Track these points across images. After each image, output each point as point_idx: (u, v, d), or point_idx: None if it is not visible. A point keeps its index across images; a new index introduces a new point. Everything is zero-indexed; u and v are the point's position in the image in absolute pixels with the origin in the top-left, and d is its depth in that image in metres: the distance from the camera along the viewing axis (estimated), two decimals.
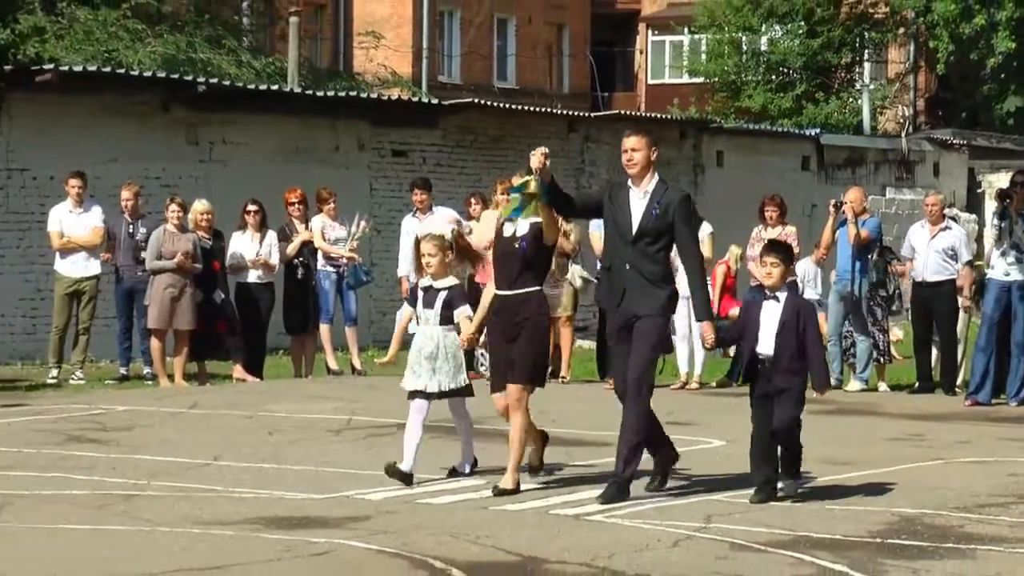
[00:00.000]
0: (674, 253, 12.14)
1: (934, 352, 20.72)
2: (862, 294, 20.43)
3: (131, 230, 20.94)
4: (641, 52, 59.46)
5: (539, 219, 12.06)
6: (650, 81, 58.41)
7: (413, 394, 12.55)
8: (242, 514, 11.11)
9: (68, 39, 30.23)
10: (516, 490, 12.09)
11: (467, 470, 12.95)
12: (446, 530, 10.70)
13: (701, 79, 51.10)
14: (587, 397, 19.54)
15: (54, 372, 20.61)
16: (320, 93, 28.77)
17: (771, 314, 11.90)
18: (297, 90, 29.60)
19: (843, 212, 20.59)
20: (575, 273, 21.49)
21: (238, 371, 20.98)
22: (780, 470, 12.07)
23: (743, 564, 9.83)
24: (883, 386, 20.71)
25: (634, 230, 11.84)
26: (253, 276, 20.90)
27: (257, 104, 26.25)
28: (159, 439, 15.34)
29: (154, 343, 20.41)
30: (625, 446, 11.86)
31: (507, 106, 32.27)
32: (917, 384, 20.49)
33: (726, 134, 35.98)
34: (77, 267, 20.61)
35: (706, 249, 20.75)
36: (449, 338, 12.51)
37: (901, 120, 50.58)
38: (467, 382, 12.71)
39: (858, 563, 9.80)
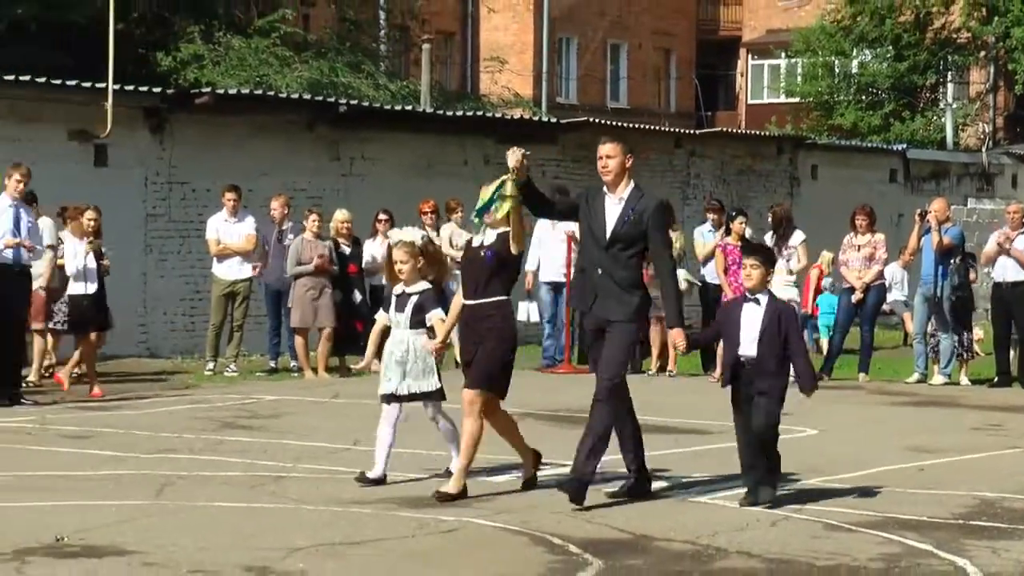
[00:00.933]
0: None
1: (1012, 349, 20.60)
2: (944, 296, 20.27)
3: (280, 237, 21.14)
4: (742, 75, 59.20)
5: (507, 228, 11.16)
6: (750, 101, 58.13)
7: (385, 398, 11.78)
8: (378, 494, 11.15)
9: (224, 65, 30.48)
10: (461, 495, 11.07)
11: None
12: (563, 510, 10.69)
13: (797, 99, 50.73)
14: (693, 389, 19.51)
15: (211, 365, 20.79)
16: (450, 113, 28.84)
17: (752, 317, 10.97)
18: (429, 110, 29.66)
19: (928, 221, 20.45)
20: (680, 276, 21.37)
21: (376, 365, 20.98)
22: (753, 473, 11.14)
23: (835, 543, 9.77)
24: (964, 380, 20.50)
25: (607, 235, 11.01)
26: (384, 279, 20.97)
27: (393, 123, 26.35)
28: (304, 426, 15.43)
29: (298, 340, 20.61)
30: (586, 447, 10.95)
31: (619, 124, 32.19)
32: (996, 378, 20.32)
33: (820, 149, 35.70)
34: (232, 270, 20.80)
35: (801, 255, 20.73)
36: (419, 341, 11.69)
37: (982, 136, 49.97)
38: (438, 386, 11.76)
39: (942, 543, 9.71)
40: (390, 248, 12.17)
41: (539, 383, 19.99)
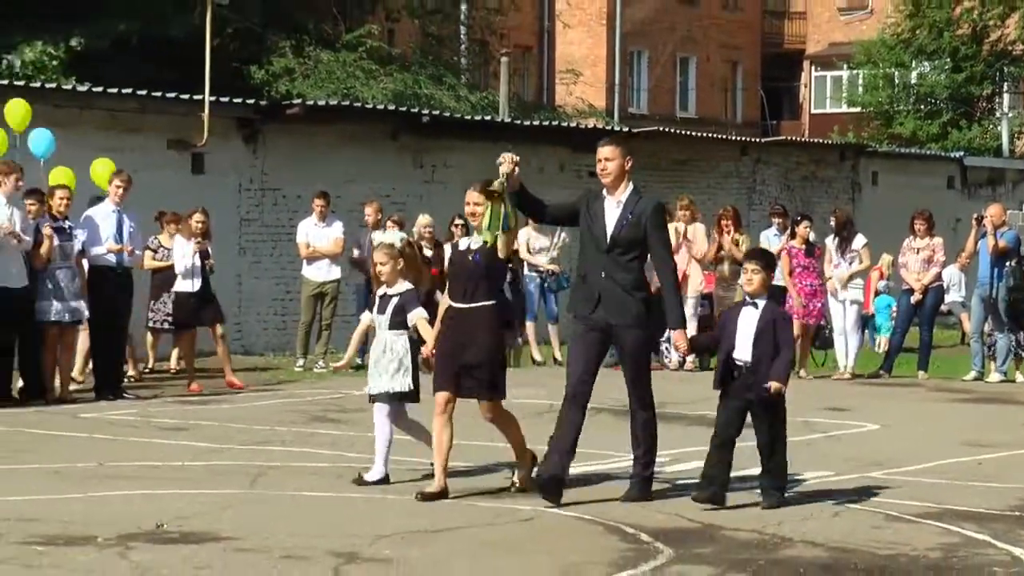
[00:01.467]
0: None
1: None
2: (1000, 297, 20.10)
3: (372, 240, 21.20)
4: (805, 86, 58.94)
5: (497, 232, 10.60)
6: (813, 111, 57.85)
7: (371, 399, 11.50)
8: (465, 485, 11.12)
9: (313, 78, 30.62)
10: (443, 495, 10.60)
11: (374, 479, 11.30)
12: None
13: (858, 109, 50.44)
14: None
15: (300, 362, 20.87)
16: (526, 123, 28.85)
17: (749, 321, 10.44)
18: (507, 120, 29.69)
19: (984, 225, 20.29)
20: None
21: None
22: (763, 477, 10.68)
23: (896, 533, 9.71)
24: (1020, 377, 20.31)
25: (608, 239, 10.51)
26: None
27: (473, 133, 26.38)
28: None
29: None
30: (639, 451, 10.76)
31: (688, 133, 32.14)
32: None
33: (880, 157, 35.52)
34: (320, 272, 20.89)
35: (863, 257, 20.68)
36: (399, 342, 11.28)
37: None
38: (410, 387, 11.30)
39: (999, 533, 9.63)
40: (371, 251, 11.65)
41: (610, 379, 19.92)
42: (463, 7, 38.77)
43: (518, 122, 29.07)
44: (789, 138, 37.08)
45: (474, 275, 10.70)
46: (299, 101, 25.42)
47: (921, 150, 40.47)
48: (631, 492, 10.70)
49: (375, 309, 11.53)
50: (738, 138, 33.28)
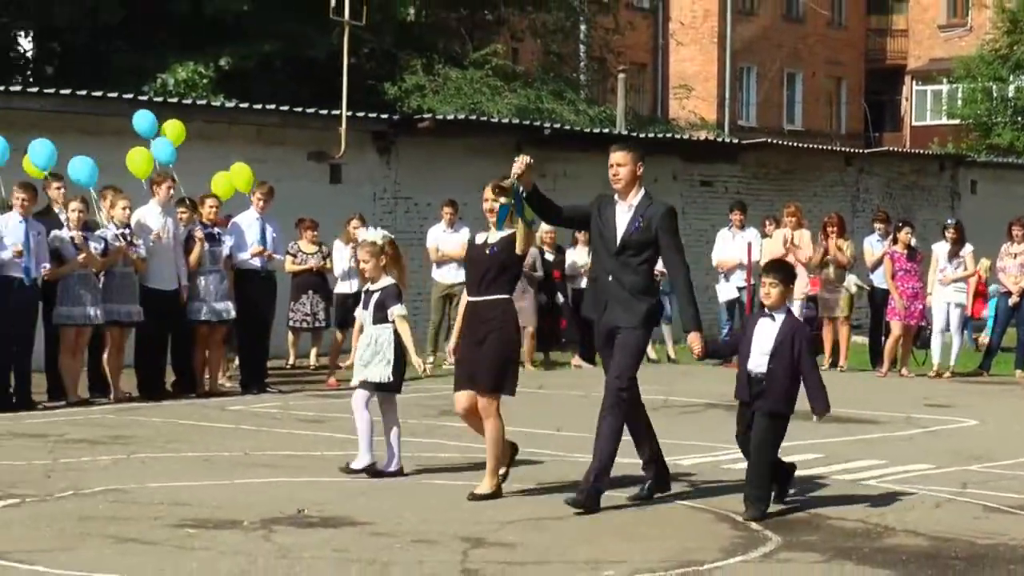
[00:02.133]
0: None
1: None
2: None
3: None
4: (906, 99, 58.29)
5: (513, 230, 10.20)
6: (914, 123, 57.20)
7: (354, 390, 11.18)
8: (580, 474, 11.12)
9: (442, 93, 30.71)
10: (495, 495, 10.17)
11: (391, 468, 11.10)
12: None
13: (957, 121, 49.78)
14: (862, 382, 19.27)
15: (431, 359, 20.93)
16: (642, 135, 28.77)
17: (765, 333, 9.74)
18: (623, 133, 29.62)
19: None
20: (851, 281, 21.28)
21: (576, 360, 21.19)
22: (747, 486, 9.85)
23: (996, 524, 9.58)
24: None
25: (617, 242, 9.95)
26: (584, 282, 20.99)
27: (591, 145, 26.31)
28: (512, 414, 15.42)
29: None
30: (597, 458, 9.90)
31: (795, 144, 31.91)
32: None
33: (979, 166, 35.04)
34: (449, 275, 20.94)
35: (968, 263, 20.59)
36: (384, 335, 10.99)
37: None
38: (391, 379, 10.99)
39: None
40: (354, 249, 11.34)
41: (719, 376, 19.89)
42: (583, 27, 38.73)
43: (634, 134, 28.99)
44: (891, 149, 36.67)
45: (490, 267, 10.23)
46: (429, 115, 25.51)
47: (1018, 160, 39.88)
48: (576, 497, 9.79)
49: (361, 304, 11.29)
50: (842, 149, 32.99)
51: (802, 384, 9.75)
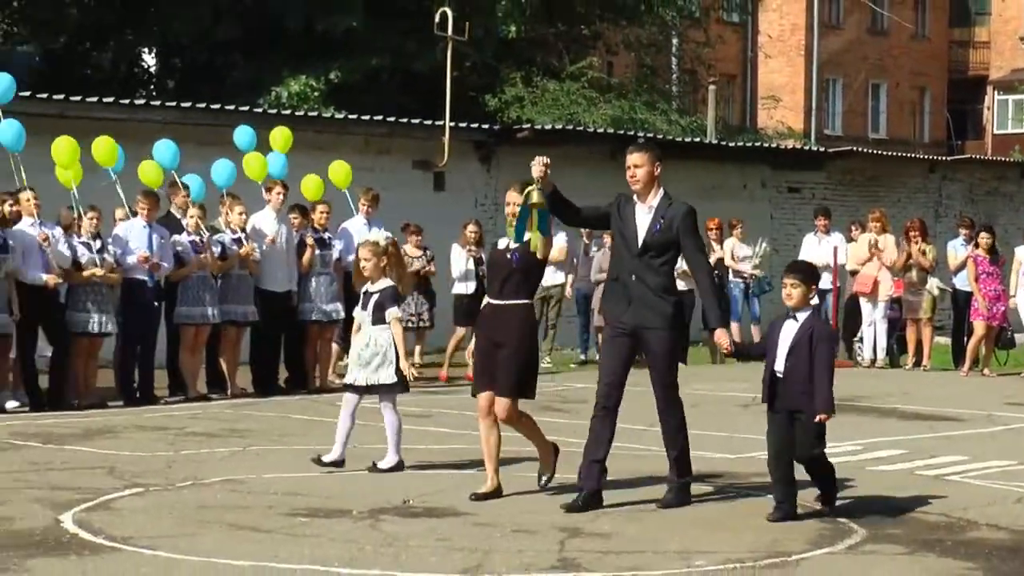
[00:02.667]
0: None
1: None
2: None
3: (586, 250, 21.28)
4: (988, 108, 57.61)
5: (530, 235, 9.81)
6: (996, 131, 56.51)
7: (345, 388, 11.00)
8: (657, 469, 11.08)
9: (540, 105, 30.71)
10: (496, 494, 9.83)
11: (387, 467, 10.84)
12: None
13: None
14: (946, 381, 19.08)
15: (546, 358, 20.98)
16: (732, 144, 28.65)
17: (788, 334, 9.33)
18: (714, 142, 29.49)
19: None
20: (933, 284, 21.08)
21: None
22: (819, 487, 9.57)
23: None
24: None
25: (639, 243, 9.56)
26: (681, 285, 20.88)
27: (683, 153, 26.24)
28: None
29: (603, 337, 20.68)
30: (673, 453, 9.76)
31: (879, 152, 31.62)
32: None
33: None
34: (546, 277, 20.86)
35: None
36: (383, 336, 10.69)
37: None
38: (395, 379, 10.71)
39: None
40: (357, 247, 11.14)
41: (845, 379, 19.81)
42: (675, 41, 38.61)
43: (724, 143, 28.88)
44: (973, 156, 36.27)
45: (512, 273, 9.87)
46: (528, 125, 25.54)
47: None
48: (668, 497, 9.71)
49: (359, 305, 10.94)
50: (926, 157, 32.67)
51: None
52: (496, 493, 9.84)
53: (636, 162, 9.80)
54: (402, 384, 10.88)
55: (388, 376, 10.73)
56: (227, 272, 16.18)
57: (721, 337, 9.61)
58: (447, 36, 23.12)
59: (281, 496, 9.82)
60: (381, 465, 10.85)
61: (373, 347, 10.71)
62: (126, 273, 15.36)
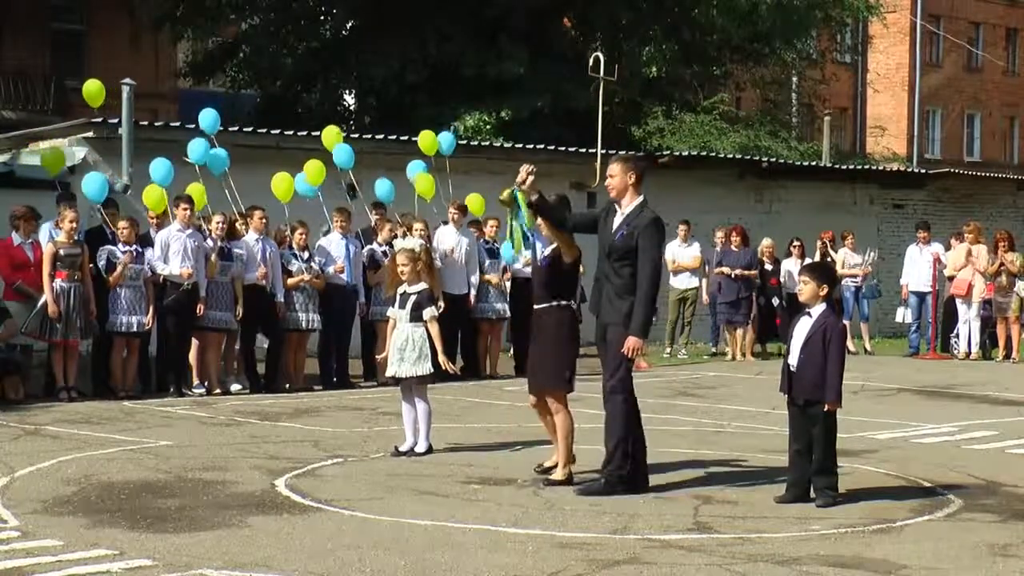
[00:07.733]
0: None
1: None
2: None
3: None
4: None
5: (555, 243, 9.21)
6: None
7: (391, 380, 10.51)
8: (773, 446, 10.87)
9: (678, 134, 30.46)
10: (567, 482, 9.03)
11: (421, 450, 10.30)
12: (931, 461, 10.28)
13: None
14: None
15: (667, 351, 20.79)
16: (844, 167, 28.16)
17: (803, 329, 8.63)
18: (828, 165, 29.00)
19: None
20: (1021, 287, 20.56)
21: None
22: (815, 477, 8.63)
23: None
24: None
25: (607, 246, 8.85)
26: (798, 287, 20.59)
27: (802, 175, 25.91)
28: (734, 395, 15.28)
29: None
30: (609, 444, 8.86)
31: (974, 174, 30.83)
32: None
33: None
34: (683, 281, 20.80)
35: None
36: (417, 332, 10.25)
37: None
38: (430, 371, 10.28)
39: None
40: (392, 256, 10.81)
41: (908, 365, 19.49)
42: (794, 79, 38.13)
43: (837, 166, 28.40)
44: None
45: (542, 278, 9.31)
46: (668, 152, 25.36)
47: None
48: (589, 484, 8.88)
49: (396, 304, 10.46)
50: (1015, 177, 31.75)
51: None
52: (568, 480, 9.12)
53: (611, 172, 9.05)
54: (436, 375, 10.50)
55: (425, 369, 10.34)
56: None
57: (632, 343, 8.61)
58: (599, 77, 22.96)
59: (457, 467, 9.84)
60: (417, 450, 10.33)
61: (410, 344, 10.30)
62: (328, 279, 15.57)
